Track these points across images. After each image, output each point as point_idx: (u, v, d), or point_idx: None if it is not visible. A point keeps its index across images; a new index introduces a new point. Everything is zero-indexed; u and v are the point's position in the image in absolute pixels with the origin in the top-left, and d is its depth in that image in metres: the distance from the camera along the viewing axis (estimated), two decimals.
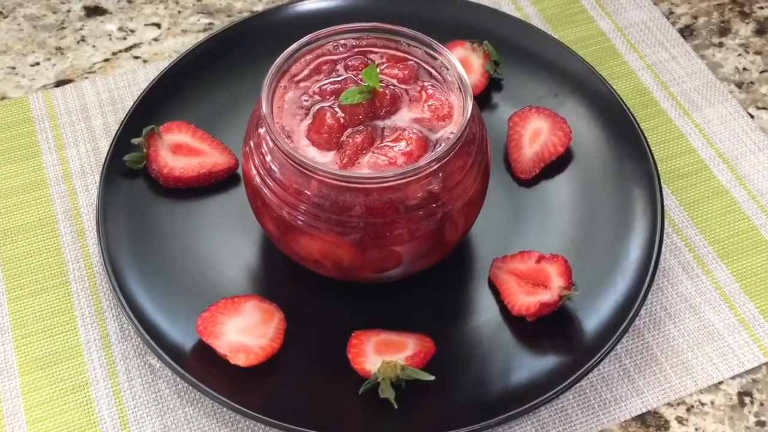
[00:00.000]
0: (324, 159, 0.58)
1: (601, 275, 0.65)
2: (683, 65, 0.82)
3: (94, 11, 0.86)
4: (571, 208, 0.69)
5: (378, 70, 0.61)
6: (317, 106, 0.60)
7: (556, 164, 0.71)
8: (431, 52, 0.62)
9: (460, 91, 0.60)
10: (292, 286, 0.65)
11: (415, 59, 0.63)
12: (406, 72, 0.62)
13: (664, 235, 0.69)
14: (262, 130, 0.59)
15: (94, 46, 0.83)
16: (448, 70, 0.62)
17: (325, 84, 0.61)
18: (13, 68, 0.80)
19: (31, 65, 0.81)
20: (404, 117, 0.60)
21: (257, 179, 0.60)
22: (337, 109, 0.59)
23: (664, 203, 0.71)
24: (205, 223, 0.68)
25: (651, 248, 0.65)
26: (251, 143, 0.61)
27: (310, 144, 0.58)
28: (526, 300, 0.62)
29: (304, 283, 0.65)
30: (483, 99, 0.75)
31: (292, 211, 0.58)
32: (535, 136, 0.71)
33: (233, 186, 0.71)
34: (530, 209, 0.69)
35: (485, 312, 0.64)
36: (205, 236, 0.68)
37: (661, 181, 0.72)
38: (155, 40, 0.83)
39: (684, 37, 0.85)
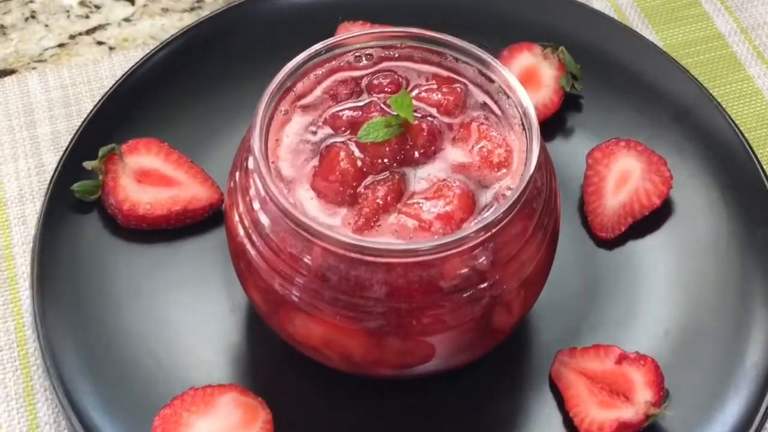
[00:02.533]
0: (332, 218, 0.53)
1: (705, 385, 0.60)
2: None
3: None
4: (666, 285, 0.64)
5: (413, 95, 0.55)
6: (328, 142, 0.54)
7: (650, 221, 0.66)
8: (486, 71, 0.56)
9: (523, 128, 0.55)
10: (285, 374, 0.61)
11: (465, 80, 0.57)
12: (451, 98, 0.56)
13: None
14: (251, 164, 0.54)
15: (46, 26, 0.78)
16: (507, 97, 0.56)
17: (340, 110, 0.55)
18: None
19: None
20: (445, 162, 0.54)
21: (241, 233, 0.55)
22: (354, 148, 0.53)
23: None
24: (175, 279, 0.64)
25: None
26: (237, 178, 0.56)
27: (315, 196, 0.53)
28: (599, 415, 0.57)
29: (301, 370, 0.61)
30: (554, 125, 0.70)
31: (286, 284, 0.53)
32: (623, 181, 0.66)
33: (216, 227, 0.67)
34: (611, 282, 0.65)
35: (543, 425, 0.60)
36: (174, 297, 0.64)
37: None
38: (126, 20, 0.79)
39: None
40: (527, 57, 0.71)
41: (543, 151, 0.55)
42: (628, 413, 0.57)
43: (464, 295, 0.53)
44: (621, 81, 0.71)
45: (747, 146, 0.68)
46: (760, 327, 0.61)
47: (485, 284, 0.53)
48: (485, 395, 0.61)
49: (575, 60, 0.71)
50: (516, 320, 0.58)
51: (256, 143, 0.53)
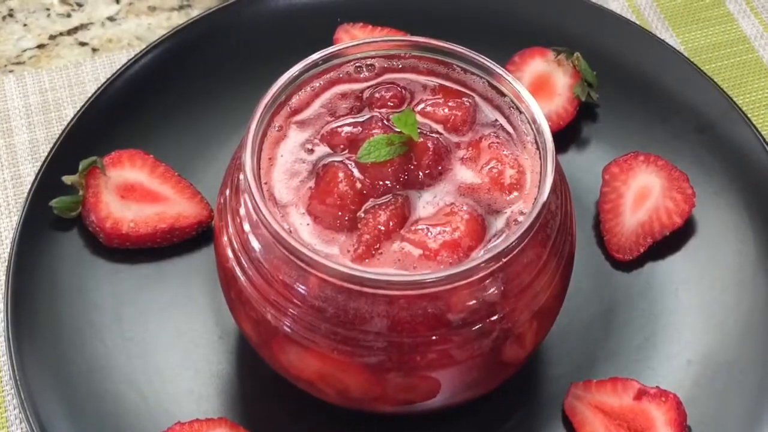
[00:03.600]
0: (330, 245, 0.51)
1: (731, 421, 0.58)
2: None
3: None
4: (688, 311, 0.62)
5: (417, 109, 0.54)
6: (325, 162, 0.52)
7: (671, 242, 0.64)
8: (497, 84, 0.54)
9: (537, 147, 0.52)
10: (278, 408, 0.60)
11: (474, 93, 0.55)
12: (458, 114, 0.54)
13: None
14: (242, 185, 0.52)
15: (25, 25, 0.77)
16: (520, 113, 0.53)
17: (338, 126, 0.54)
18: None
19: None
20: (452, 184, 0.52)
21: (231, 257, 0.53)
22: (354, 168, 0.51)
23: None
24: (160, 303, 0.63)
25: None
26: (226, 196, 0.54)
27: (311, 221, 0.51)
28: None
29: (295, 404, 0.59)
30: (568, 136, 0.69)
31: (279, 315, 0.52)
32: (642, 198, 0.64)
33: (204, 246, 0.65)
34: (628, 307, 0.63)
35: None
36: (159, 322, 0.62)
37: None
38: (110, 19, 0.77)
39: None
40: (539, 63, 0.69)
41: (558, 172, 0.53)
42: None
43: (472, 329, 0.51)
44: (640, 90, 0.70)
45: None
46: None
47: (495, 317, 0.51)
48: (492, 430, 0.59)
49: (591, 67, 0.69)
50: (527, 353, 0.56)
51: (247, 163, 0.51)
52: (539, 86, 0.68)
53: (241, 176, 0.52)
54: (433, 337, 0.50)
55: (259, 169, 0.53)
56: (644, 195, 0.65)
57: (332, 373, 0.53)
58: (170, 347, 0.61)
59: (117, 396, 0.59)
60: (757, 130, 0.67)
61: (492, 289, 0.50)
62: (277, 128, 0.54)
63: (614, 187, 0.65)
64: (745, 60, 0.76)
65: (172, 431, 0.56)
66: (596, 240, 0.66)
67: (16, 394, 0.58)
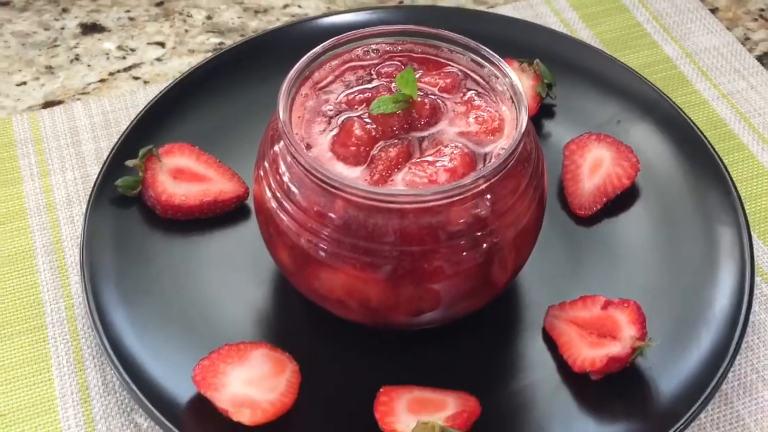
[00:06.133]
0: (351, 174, 0.54)
1: (680, 328, 0.60)
2: (765, 95, 0.78)
3: (91, 29, 0.83)
4: (640, 249, 0.65)
5: (416, 76, 0.57)
6: (344, 116, 0.56)
7: (621, 199, 0.67)
8: (478, 59, 0.59)
9: (513, 102, 0.57)
10: (309, 333, 0.62)
11: (460, 67, 0.59)
12: (448, 80, 0.58)
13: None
14: (278, 146, 0.56)
15: (89, 66, 0.80)
16: (497, 79, 0.58)
17: (353, 93, 0.58)
18: None
19: (17, 85, 0.79)
20: (447, 130, 0.56)
21: (272, 203, 0.56)
22: (368, 120, 0.55)
23: None
24: (207, 260, 0.65)
25: (740, 295, 0.61)
26: (265, 164, 0.57)
27: (334, 158, 0.54)
28: (590, 353, 0.57)
29: (322, 329, 0.61)
30: (534, 126, 0.71)
31: (313, 238, 0.54)
32: (596, 167, 0.67)
33: (242, 218, 0.67)
34: (591, 252, 0.65)
35: (540, 369, 0.60)
36: (207, 275, 0.64)
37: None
38: (158, 60, 0.81)
39: (764, 64, 0.81)
40: None
41: (530, 124, 0.57)
42: (617, 348, 0.57)
43: (465, 241, 0.53)
44: (589, 88, 0.73)
45: (703, 136, 0.69)
46: (724, 278, 0.61)
47: (484, 231, 0.54)
48: (487, 346, 0.61)
49: (550, 72, 0.73)
50: (511, 273, 0.58)
51: (282, 115, 0.55)
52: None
53: (278, 132, 0.55)
54: (436, 247, 0.53)
55: (291, 123, 0.56)
56: (598, 164, 0.68)
57: (356, 286, 0.55)
58: (218, 292, 0.62)
59: (177, 329, 0.60)
60: (687, 115, 0.71)
61: (481, 209, 0.54)
62: (303, 95, 0.58)
63: (573, 160, 0.69)
64: (670, 75, 0.80)
65: (222, 350, 0.57)
66: (561, 205, 0.68)
67: (95, 330, 0.59)
